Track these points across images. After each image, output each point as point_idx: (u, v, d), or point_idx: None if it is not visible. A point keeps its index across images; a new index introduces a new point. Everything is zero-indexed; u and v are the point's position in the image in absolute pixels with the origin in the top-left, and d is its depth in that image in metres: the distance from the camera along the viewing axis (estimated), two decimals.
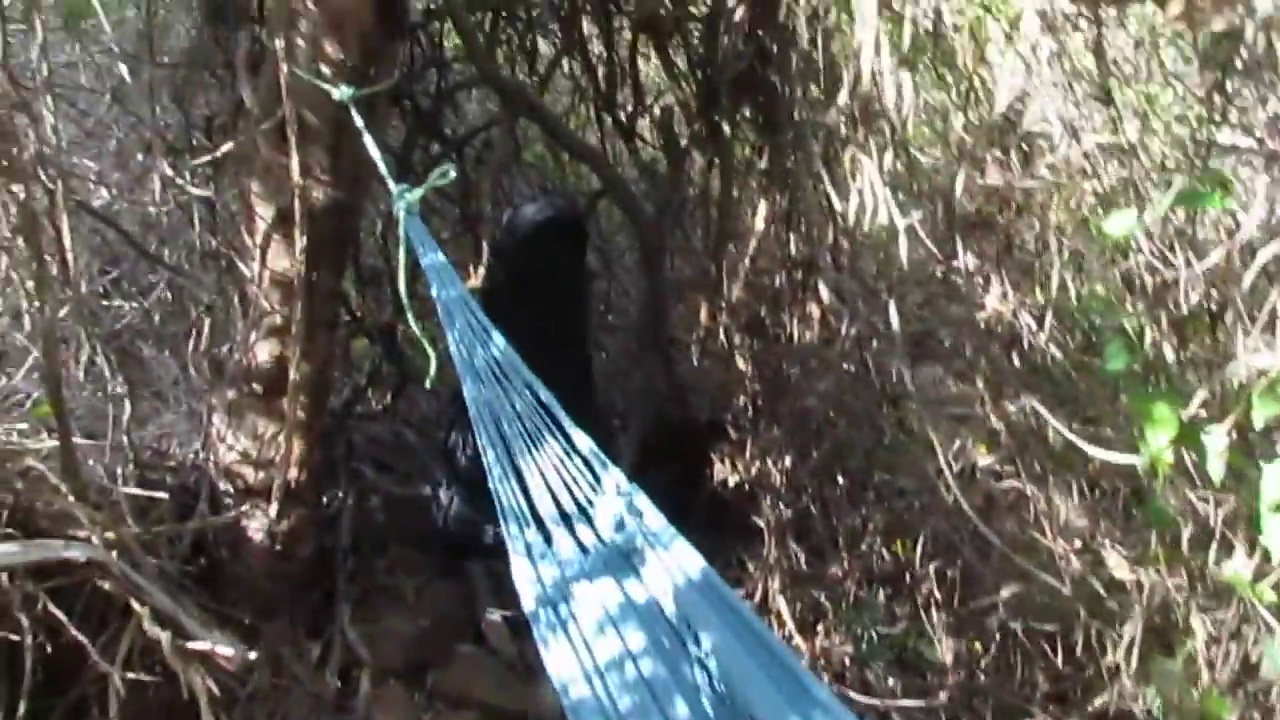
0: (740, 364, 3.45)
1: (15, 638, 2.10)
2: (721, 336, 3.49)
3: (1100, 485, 2.94)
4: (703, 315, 3.64)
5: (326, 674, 3.11)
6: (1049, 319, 2.38)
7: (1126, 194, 2.27)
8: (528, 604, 2.09)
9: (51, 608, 1.96)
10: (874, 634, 3.40)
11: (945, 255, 2.36)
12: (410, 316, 2.54)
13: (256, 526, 2.97)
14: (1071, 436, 2.08)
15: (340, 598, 3.30)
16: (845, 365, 3.23)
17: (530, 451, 2.24)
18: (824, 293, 3.01)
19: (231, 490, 2.99)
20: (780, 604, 3.30)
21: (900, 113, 2.21)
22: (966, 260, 2.32)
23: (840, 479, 3.57)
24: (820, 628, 3.38)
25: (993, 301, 2.30)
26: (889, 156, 2.18)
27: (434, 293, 2.41)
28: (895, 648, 3.42)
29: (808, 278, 3.15)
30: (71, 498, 1.98)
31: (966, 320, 2.54)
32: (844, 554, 3.48)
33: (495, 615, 3.45)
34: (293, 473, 2.90)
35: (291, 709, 2.92)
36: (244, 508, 2.97)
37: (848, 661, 3.35)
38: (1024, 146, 2.36)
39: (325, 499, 3.45)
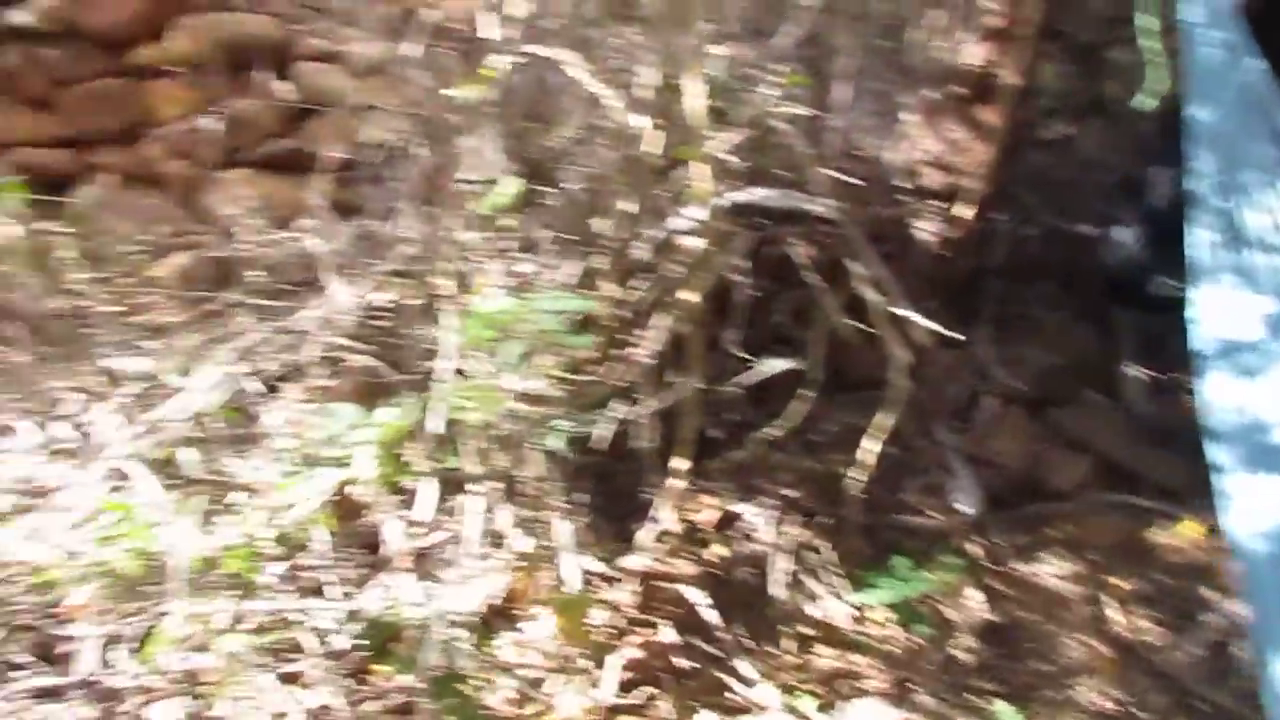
0: None
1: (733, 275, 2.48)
2: None
3: None
4: None
5: (955, 385, 3.26)
6: None
7: None
8: (1206, 337, 1.93)
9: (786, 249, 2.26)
10: None
11: None
12: (1143, 25, 2.33)
13: (928, 227, 3.10)
14: None
15: (983, 316, 3.37)
16: None
17: (1270, 188, 2.03)
18: None
19: (910, 189, 3.13)
20: None
21: None
22: None
23: None
24: None
25: None
26: None
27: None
28: None
29: None
30: (811, 163, 2.21)
31: None
32: None
33: (1135, 370, 3.30)
34: (977, 182, 2.94)
35: (922, 406, 3.11)
36: (919, 207, 3.11)
37: None
38: None
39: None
